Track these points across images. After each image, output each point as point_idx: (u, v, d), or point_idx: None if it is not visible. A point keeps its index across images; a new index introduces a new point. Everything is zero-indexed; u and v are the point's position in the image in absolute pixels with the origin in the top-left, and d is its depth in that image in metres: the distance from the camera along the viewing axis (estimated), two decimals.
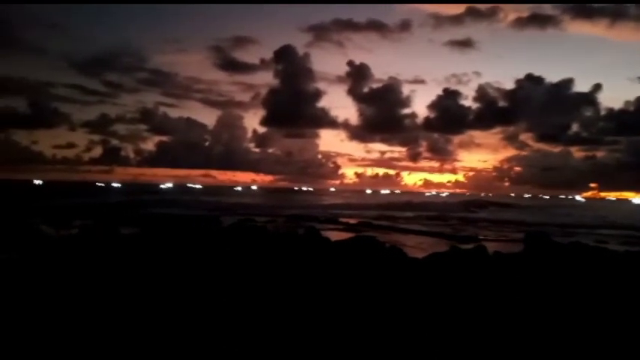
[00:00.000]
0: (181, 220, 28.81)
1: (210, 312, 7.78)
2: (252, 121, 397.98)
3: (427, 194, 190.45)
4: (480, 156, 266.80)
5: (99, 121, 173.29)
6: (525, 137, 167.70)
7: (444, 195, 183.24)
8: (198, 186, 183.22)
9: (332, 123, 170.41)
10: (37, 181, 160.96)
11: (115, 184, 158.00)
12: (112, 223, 21.84)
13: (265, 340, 6.51)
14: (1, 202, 49.32)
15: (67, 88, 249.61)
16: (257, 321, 7.36)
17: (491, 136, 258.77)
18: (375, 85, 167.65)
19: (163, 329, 6.85)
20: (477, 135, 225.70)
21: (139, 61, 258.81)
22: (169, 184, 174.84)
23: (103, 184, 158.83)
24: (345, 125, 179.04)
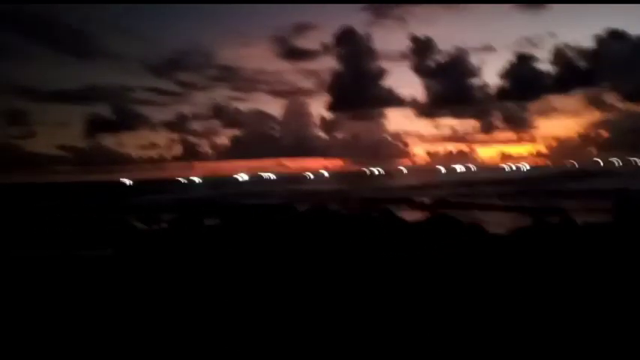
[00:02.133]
0: (259, 209, 29.88)
1: (296, 293, 8.09)
2: (318, 107, 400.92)
3: (505, 168, 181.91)
4: (561, 122, 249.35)
5: (176, 120, 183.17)
6: (610, 98, 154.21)
7: (523, 167, 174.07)
8: (271, 175, 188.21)
9: (398, 102, 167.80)
10: (126, 181, 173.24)
11: (195, 179, 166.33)
12: (196, 216, 23.14)
13: (355, 316, 6.68)
14: (98, 201, 53.85)
15: (145, 91, 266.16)
16: (342, 300, 7.54)
17: (572, 100, 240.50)
18: (441, 59, 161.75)
19: (255, 311, 7.24)
20: (556, 100, 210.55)
21: (207, 59, 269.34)
22: (245, 176, 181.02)
23: (185, 180, 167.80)
24: (412, 103, 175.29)
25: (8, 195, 77.97)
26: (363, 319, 6.76)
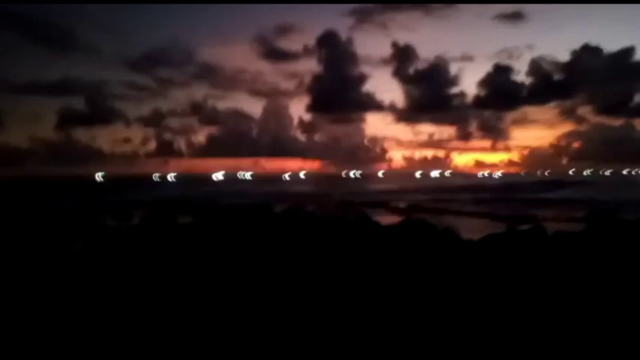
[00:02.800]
0: (234, 209, 29.56)
1: (266, 293, 8.00)
2: (298, 109, 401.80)
3: (479, 175, 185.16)
4: (536, 133, 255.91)
5: (152, 115, 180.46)
6: (584, 111, 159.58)
7: (497, 175, 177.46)
8: (248, 175, 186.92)
9: (378, 106, 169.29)
10: (98, 176, 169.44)
11: (170, 176, 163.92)
12: (169, 214, 22.79)
13: (324, 316, 6.64)
14: (68, 197, 52.49)
15: (122, 86, 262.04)
16: (313, 301, 7.49)
17: (546, 112, 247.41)
18: (420, 66, 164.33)
19: (228, 308, 7.12)
20: (532, 111, 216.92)
21: (187, 56, 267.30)
22: (220, 174, 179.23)
23: (159, 177, 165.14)
24: (392, 108, 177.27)
25: None
26: (329, 317, 6.73)
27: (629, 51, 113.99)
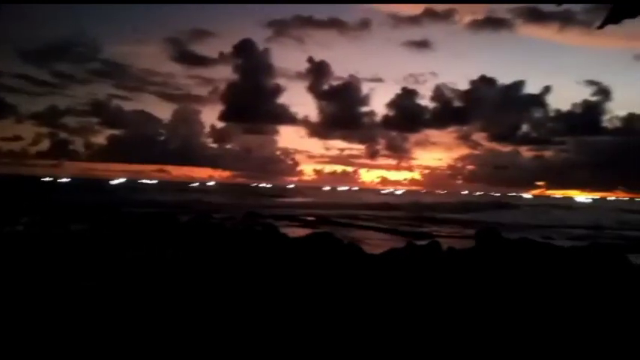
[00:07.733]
0: (135, 217, 27.95)
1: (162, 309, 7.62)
2: (210, 116, 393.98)
3: (384, 191, 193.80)
4: (436, 154, 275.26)
5: (47, 112, 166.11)
6: (478, 137, 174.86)
7: (400, 192, 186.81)
8: (152, 181, 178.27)
9: (291, 119, 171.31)
10: None
11: (63, 180, 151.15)
12: (60, 219, 20.95)
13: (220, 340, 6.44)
14: None
15: (15, 78, 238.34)
16: (212, 318, 7.26)
17: (446, 135, 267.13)
18: (334, 83, 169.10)
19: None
20: (433, 134, 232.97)
21: (91, 52, 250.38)
22: (121, 180, 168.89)
23: (50, 179, 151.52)
24: (305, 122, 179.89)
25: None
26: (231, 331, 6.57)
27: (519, 84, 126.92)
